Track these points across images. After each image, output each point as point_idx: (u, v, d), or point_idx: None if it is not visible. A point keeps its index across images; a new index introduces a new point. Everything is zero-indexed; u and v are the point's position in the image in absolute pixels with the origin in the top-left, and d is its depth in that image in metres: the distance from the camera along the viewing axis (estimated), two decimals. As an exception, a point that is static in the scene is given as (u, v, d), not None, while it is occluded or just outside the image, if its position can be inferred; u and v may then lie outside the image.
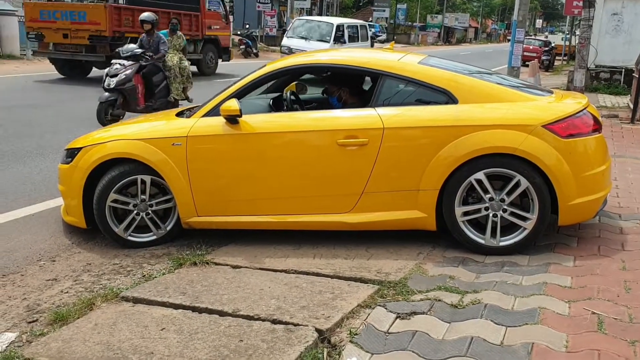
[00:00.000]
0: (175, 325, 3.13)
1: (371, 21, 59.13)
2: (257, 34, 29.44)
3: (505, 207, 3.98)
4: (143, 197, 4.41)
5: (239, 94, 4.37)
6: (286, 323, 3.10)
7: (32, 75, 14.75)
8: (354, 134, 4.07)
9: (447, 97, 4.12)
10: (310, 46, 16.04)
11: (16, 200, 5.43)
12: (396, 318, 3.11)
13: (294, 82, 5.34)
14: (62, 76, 14.89)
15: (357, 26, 19.21)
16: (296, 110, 4.78)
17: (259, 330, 3.04)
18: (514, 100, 4.13)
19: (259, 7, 32.98)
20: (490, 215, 4.00)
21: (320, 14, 39.25)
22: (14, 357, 2.86)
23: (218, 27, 17.99)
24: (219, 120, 4.24)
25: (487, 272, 3.77)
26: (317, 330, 3.02)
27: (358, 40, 18.50)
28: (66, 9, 14.13)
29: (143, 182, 4.37)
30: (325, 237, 4.33)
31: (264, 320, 3.14)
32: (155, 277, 3.84)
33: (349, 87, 4.90)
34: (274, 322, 3.12)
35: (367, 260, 4.01)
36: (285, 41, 17.88)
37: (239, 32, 28.24)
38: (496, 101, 4.10)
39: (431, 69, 4.33)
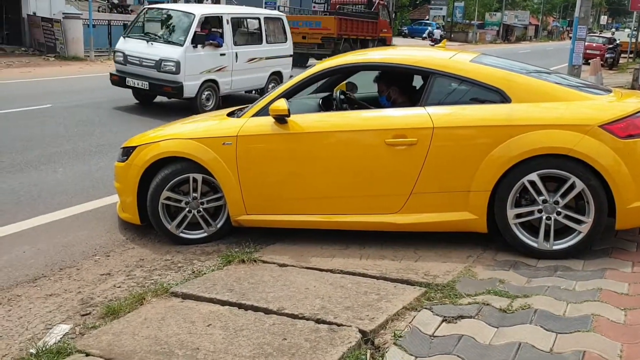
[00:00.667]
0: (221, 321, 3.18)
1: (428, 19, 58.47)
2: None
3: (559, 209, 3.85)
4: (195, 195, 4.49)
5: (288, 94, 4.41)
6: (330, 323, 3.09)
7: (95, 76, 15.27)
8: (403, 133, 4.02)
9: (499, 96, 4.01)
10: (152, 52, 10.06)
11: (76, 197, 5.63)
12: (442, 321, 3.06)
13: (344, 82, 5.31)
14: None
15: (259, 19, 11.52)
16: (345, 109, 4.73)
17: (303, 329, 3.04)
18: (570, 99, 3.99)
19: (314, 7, 33.11)
20: (544, 218, 3.87)
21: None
22: (67, 348, 2.96)
23: (385, 30, 25.32)
24: (268, 120, 4.27)
25: (539, 277, 3.65)
26: (361, 331, 3.00)
27: (261, 42, 11.41)
28: (306, 19, 21.83)
29: (195, 180, 4.46)
30: (373, 237, 4.30)
31: (307, 319, 3.15)
32: (205, 273, 3.90)
33: (398, 86, 4.86)
34: (318, 321, 3.12)
35: (415, 262, 3.95)
36: (121, 43, 10.75)
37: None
38: (551, 100, 3.97)
39: (483, 67, 4.24)
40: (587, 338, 2.78)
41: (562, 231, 3.92)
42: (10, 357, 2.98)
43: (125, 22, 21.27)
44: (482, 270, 3.80)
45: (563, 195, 3.82)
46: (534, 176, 3.82)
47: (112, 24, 20.88)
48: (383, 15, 25.46)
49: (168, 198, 4.50)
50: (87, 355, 2.90)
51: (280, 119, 4.21)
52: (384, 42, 24.86)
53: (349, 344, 2.86)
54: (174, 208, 4.56)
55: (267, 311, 3.26)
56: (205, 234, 4.58)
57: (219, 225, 4.58)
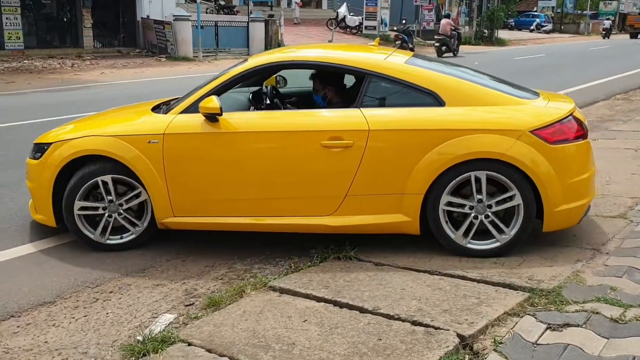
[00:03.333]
0: (317, 318, 3.20)
1: (535, 11, 55.90)
2: (414, 29, 29.18)
3: (489, 213, 3.90)
4: (110, 198, 4.28)
5: (219, 90, 4.21)
6: (427, 325, 3.03)
7: (202, 76, 15.93)
8: (338, 135, 3.96)
9: (434, 99, 3.99)
10: None
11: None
12: (546, 329, 2.90)
13: (274, 76, 5.17)
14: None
15: None
16: (276, 104, 4.65)
17: (398, 330, 3.00)
18: (502, 103, 4.01)
19: (416, 1, 32.66)
20: (472, 215, 3.91)
21: (480, 5, 37.74)
22: (171, 337, 3.09)
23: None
24: (198, 118, 4.10)
25: (657, 286, 3.38)
26: (459, 335, 2.91)
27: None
28: None
29: (105, 183, 4.24)
30: (473, 238, 4.15)
31: (403, 320, 3.10)
32: (302, 269, 3.95)
33: (335, 85, 4.67)
34: (414, 323, 3.06)
35: (518, 266, 3.78)
36: None
37: (395, 28, 28.20)
38: (484, 104, 3.99)
39: (418, 69, 4.19)
40: None
41: (485, 233, 3.96)
42: (120, 343, 3.16)
43: (231, 23, 22.05)
44: (591, 276, 3.57)
45: (497, 202, 3.89)
46: (469, 175, 3.85)
47: (218, 25, 21.67)
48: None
49: (83, 208, 4.28)
50: (189, 344, 3.02)
51: (211, 118, 4.07)
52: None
53: (447, 348, 2.79)
54: (92, 216, 4.35)
55: (362, 310, 3.25)
56: (134, 236, 4.38)
57: (145, 224, 4.36)
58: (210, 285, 3.87)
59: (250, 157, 4.09)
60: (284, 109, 4.69)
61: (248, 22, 22.24)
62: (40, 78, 14.79)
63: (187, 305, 3.59)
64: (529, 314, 3.07)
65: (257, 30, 22.10)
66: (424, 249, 4.11)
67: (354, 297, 3.40)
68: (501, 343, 2.80)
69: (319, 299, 3.43)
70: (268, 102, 4.69)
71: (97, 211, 4.32)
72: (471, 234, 3.94)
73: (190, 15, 20.43)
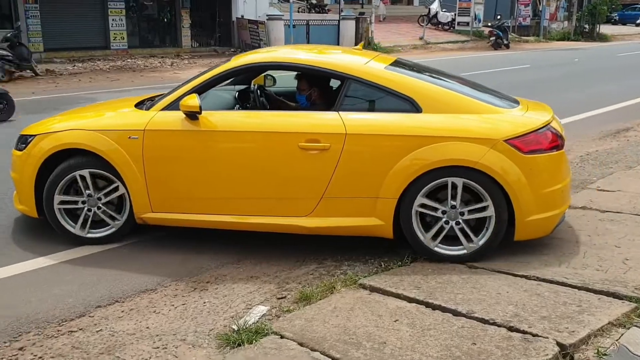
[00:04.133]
0: (408, 318, 3.16)
1: (643, 4, 52.37)
2: (509, 24, 28.21)
3: (460, 220, 3.92)
4: (89, 192, 4.35)
5: (200, 89, 4.24)
6: (524, 332, 2.92)
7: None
8: (316, 137, 3.98)
9: (411, 105, 4.00)
10: None
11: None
12: (656, 343, 2.72)
13: (262, 75, 5.16)
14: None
15: None
16: (263, 104, 4.73)
17: (494, 335, 2.91)
18: (479, 112, 4.00)
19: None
20: (443, 220, 3.93)
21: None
22: (264, 329, 3.16)
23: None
24: (179, 115, 4.13)
25: None
26: (559, 344, 2.79)
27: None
28: None
29: (83, 178, 4.31)
30: (574, 243, 3.97)
31: (499, 325, 3.01)
32: (392, 268, 3.92)
33: (319, 87, 4.65)
34: (511, 329, 2.96)
35: (624, 274, 3.58)
36: None
37: (489, 24, 27.40)
38: (461, 112, 3.99)
39: (397, 75, 4.19)
40: None
41: (455, 238, 3.96)
42: (216, 332, 3.27)
43: (322, 21, 22.25)
44: None
45: (470, 211, 3.89)
46: (445, 181, 3.86)
47: (310, 23, 21.92)
48: None
49: (62, 202, 4.36)
50: (282, 337, 3.08)
51: (192, 115, 4.09)
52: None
53: (545, 357, 2.68)
54: (73, 209, 4.42)
55: (455, 313, 3.18)
56: (114, 229, 4.44)
57: (124, 218, 4.40)
58: (301, 280, 3.92)
59: (228, 156, 4.14)
60: (270, 108, 4.77)
61: (339, 20, 22.35)
62: (142, 76, 15.55)
63: (279, 298, 3.66)
64: (636, 326, 2.89)
65: (348, 28, 22.17)
66: (520, 253, 3.97)
67: (447, 299, 3.34)
68: (605, 355, 2.66)
69: (410, 300, 3.39)
70: (254, 101, 4.77)
71: (76, 205, 4.39)
72: (440, 238, 3.96)
73: (282, 15, 20.79)
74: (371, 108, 4.15)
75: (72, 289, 3.83)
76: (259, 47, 20.47)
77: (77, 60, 17.78)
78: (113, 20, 19.40)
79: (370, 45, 21.47)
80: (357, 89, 4.14)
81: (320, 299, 3.51)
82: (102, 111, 4.91)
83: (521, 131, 3.84)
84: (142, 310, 3.56)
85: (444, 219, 3.93)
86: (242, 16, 22.00)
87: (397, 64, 4.51)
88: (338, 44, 21.71)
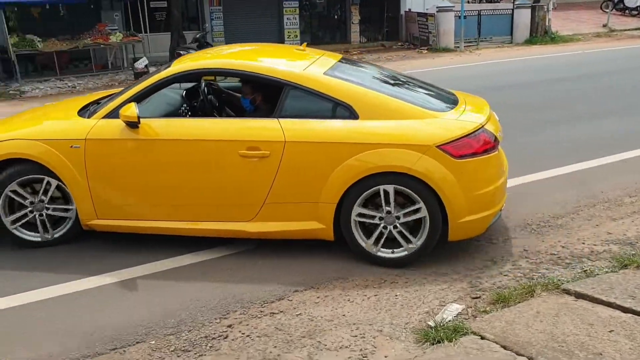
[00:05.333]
0: (626, 329, 2.90)
1: None
2: None
3: (397, 224, 3.97)
4: (43, 197, 4.38)
5: (139, 97, 4.24)
6: None
7: (464, 66, 15.76)
8: (256, 145, 4.01)
9: (348, 112, 4.03)
10: None
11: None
12: None
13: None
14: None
15: None
16: (211, 101, 4.78)
17: None
18: (413, 117, 4.01)
19: None
20: (381, 226, 4.00)
21: None
22: (463, 328, 3.08)
23: None
24: (119, 124, 4.12)
25: None
26: None
27: None
28: None
29: (49, 183, 4.33)
30: None
31: None
32: (597, 274, 3.63)
33: (262, 91, 4.60)
34: None
35: None
36: None
37: None
38: (396, 118, 4.01)
39: (335, 81, 4.16)
40: None
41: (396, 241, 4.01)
42: (411, 326, 3.26)
43: (494, 11, 21.38)
44: None
45: (405, 214, 3.94)
46: (378, 189, 3.91)
47: (481, 14, 21.17)
48: None
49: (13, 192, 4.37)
50: (482, 338, 2.98)
51: (131, 124, 4.09)
52: None
53: None
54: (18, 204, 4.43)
55: (683, 328, 2.85)
56: (39, 239, 4.46)
57: (56, 235, 4.47)
58: (495, 280, 3.78)
59: (169, 164, 4.14)
60: (218, 105, 4.86)
61: (512, 9, 21.30)
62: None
63: (473, 298, 3.55)
64: None
65: (522, 17, 21.01)
66: None
67: (671, 312, 3.00)
68: None
69: (624, 310, 3.10)
70: (202, 99, 4.77)
71: (24, 201, 4.40)
72: (381, 243, 4.03)
73: (453, 6, 20.29)
74: (310, 114, 4.10)
75: (268, 273, 4.04)
76: (427, 39, 20.22)
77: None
78: (287, 19, 20.29)
79: (547, 34, 20.22)
80: (296, 95, 4.14)
81: (519, 302, 3.35)
82: (45, 118, 4.84)
83: (452, 136, 3.88)
84: (336, 297, 3.66)
85: (382, 225, 3.99)
86: (410, 9, 21.85)
87: (336, 68, 4.42)
88: (511, 34, 20.75)
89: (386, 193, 3.91)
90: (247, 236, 4.22)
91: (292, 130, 4.03)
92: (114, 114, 4.22)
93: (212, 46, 15.83)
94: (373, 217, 3.99)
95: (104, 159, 4.22)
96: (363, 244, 4.05)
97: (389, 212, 3.95)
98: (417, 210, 3.92)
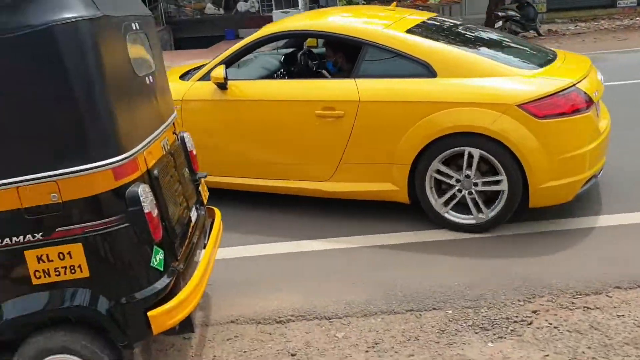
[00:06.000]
0: None
1: None
2: None
3: (472, 190, 3.87)
4: None
5: (231, 60, 4.50)
6: None
7: None
8: (331, 105, 4.08)
9: (426, 70, 3.95)
10: None
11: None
12: None
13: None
14: None
15: None
16: (307, 67, 4.92)
17: None
18: (496, 75, 3.86)
19: None
20: (456, 188, 3.91)
21: None
22: None
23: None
24: (211, 85, 4.39)
25: None
26: None
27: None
28: None
29: None
30: None
31: None
32: None
33: (344, 53, 4.67)
34: None
35: None
36: None
37: None
38: (476, 76, 3.88)
39: (414, 39, 4.10)
40: None
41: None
42: None
43: None
44: None
45: (484, 183, 3.83)
46: (461, 150, 3.81)
47: None
48: None
49: None
50: None
51: (220, 86, 4.34)
52: None
53: None
54: None
55: None
56: None
57: None
58: None
59: (253, 124, 4.34)
60: (312, 71, 4.91)
61: None
62: (653, 36, 13.89)
63: None
64: None
65: None
66: None
67: None
68: None
69: None
70: (300, 63, 4.93)
71: None
72: (451, 205, 3.95)
73: None
74: (388, 73, 4.08)
75: (577, 260, 3.55)
76: None
77: (578, 20, 16.98)
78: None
79: None
80: (374, 54, 4.13)
81: None
82: None
83: (536, 95, 3.69)
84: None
85: (457, 187, 3.90)
86: None
87: (422, 26, 4.42)
88: None
89: (470, 156, 3.79)
90: (325, 195, 4.32)
91: (367, 89, 4.05)
92: (207, 77, 4.51)
93: (533, 7, 14.82)
94: (450, 177, 3.90)
95: (198, 117, 4.49)
96: (433, 202, 3.98)
97: (467, 177, 3.85)
98: (497, 182, 3.79)
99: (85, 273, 2.25)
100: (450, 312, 3.14)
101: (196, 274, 2.59)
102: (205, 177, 3.27)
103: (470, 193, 3.87)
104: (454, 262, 3.66)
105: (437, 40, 4.16)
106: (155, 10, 18.75)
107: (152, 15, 3.02)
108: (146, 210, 2.25)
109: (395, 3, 5.39)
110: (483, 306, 3.16)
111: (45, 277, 2.24)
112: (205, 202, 3.26)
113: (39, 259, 2.22)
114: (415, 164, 3.93)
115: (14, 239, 2.20)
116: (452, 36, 4.50)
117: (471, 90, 3.82)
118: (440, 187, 3.98)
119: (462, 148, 3.79)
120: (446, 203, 3.96)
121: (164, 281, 2.37)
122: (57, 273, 2.24)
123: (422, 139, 3.85)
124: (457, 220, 3.97)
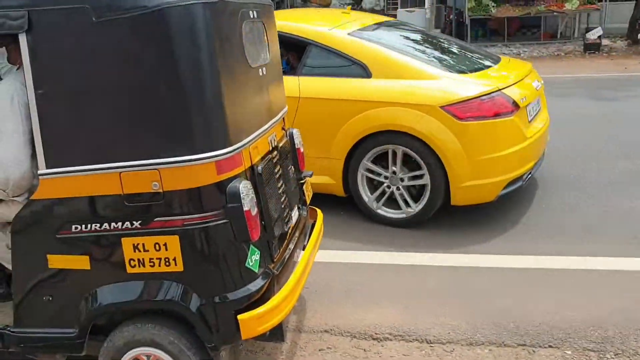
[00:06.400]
0: None
1: None
2: None
3: (400, 186, 4.15)
4: None
5: None
6: None
7: None
8: None
9: (363, 71, 4.22)
10: None
11: None
12: None
13: None
14: None
15: None
16: None
17: None
18: (426, 77, 4.12)
19: None
20: (385, 184, 4.20)
21: None
22: None
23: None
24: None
25: None
26: None
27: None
28: None
29: None
30: None
31: None
32: None
33: (295, 52, 4.77)
34: None
35: None
36: None
37: None
38: (408, 78, 4.13)
39: (354, 41, 4.35)
40: None
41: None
42: None
43: None
44: None
45: (410, 178, 4.13)
46: (386, 148, 4.13)
47: None
48: None
49: None
50: None
51: None
52: None
53: None
54: None
55: None
56: None
57: None
58: None
59: None
60: None
61: None
62: None
63: None
64: None
65: None
66: None
67: None
68: None
69: None
70: None
71: None
72: (382, 201, 4.24)
73: None
74: (329, 73, 4.33)
75: None
76: None
77: None
78: None
79: None
80: (317, 53, 4.40)
81: None
82: None
83: (459, 98, 3.90)
84: None
85: (386, 184, 4.18)
86: None
87: (369, 29, 4.63)
88: None
89: (394, 153, 4.09)
90: None
91: (308, 87, 4.31)
92: None
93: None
94: (379, 174, 4.19)
95: None
96: (365, 198, 4.25)
97: (394, 173, 4.14)
98: (419, 176, 4.04)
99: (180, 267, 2.17)
100: (569, 352, 2.79)
101: (292, 278, 2.45)
102: (311, 175, 3.16)
103: (398, 189, 4.16)
104: (578, 294, 3.27)
105: (377, 43, 4.40)
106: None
107: (272, 5, 2.91)
108: (245, 208, 2.13)
109: (349, 7, 6.01)
110: (609, 351, 2.78)
111: (139, 266, 2.18)
112: (308, 202, 3.11)
113: (135, 247, 2.17)
114: (349, 160, 4.22)
115: (113, 224, 2.15)
116: (395, 40, 4.71)
117: (400, 91, 4.09)
118: (372, 183, 4.28)
119: (387, 146, 4.10)
120: (378, 199, 4.25)
121: (257, 283, 2.25)
122: (152, 264, 2.17)
123: (354, 136, 4.15)
124: (388, 215, 4.24)
